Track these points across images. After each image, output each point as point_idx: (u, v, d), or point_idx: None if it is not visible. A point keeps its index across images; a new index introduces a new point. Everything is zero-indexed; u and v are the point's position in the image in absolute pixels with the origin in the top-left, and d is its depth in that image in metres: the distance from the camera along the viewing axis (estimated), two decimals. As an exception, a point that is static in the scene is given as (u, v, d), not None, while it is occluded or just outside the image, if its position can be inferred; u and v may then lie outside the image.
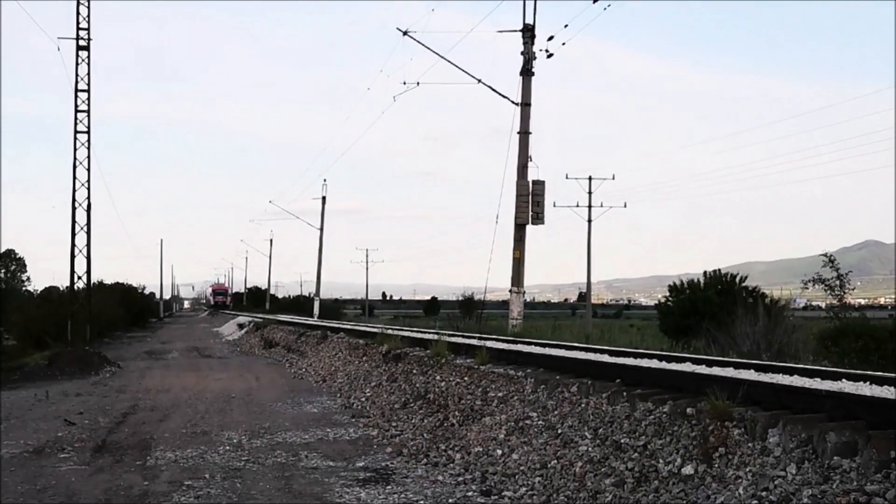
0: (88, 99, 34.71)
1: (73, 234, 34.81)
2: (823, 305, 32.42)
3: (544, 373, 12.80)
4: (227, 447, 12.67)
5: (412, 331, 26.53)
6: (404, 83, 31.77)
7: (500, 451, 10.82)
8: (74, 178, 34.77)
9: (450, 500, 9.20)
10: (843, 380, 9.21)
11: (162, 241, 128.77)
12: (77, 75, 34.57)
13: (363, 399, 17.59)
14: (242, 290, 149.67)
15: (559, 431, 10.35)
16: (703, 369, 10.50)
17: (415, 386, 16.11)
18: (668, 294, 35.16)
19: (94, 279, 38.52)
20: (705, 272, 33.29)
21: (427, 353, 17.50)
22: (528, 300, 33.26)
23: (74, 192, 34.82)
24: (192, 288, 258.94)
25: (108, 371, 26.60)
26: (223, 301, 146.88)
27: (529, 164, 28.46)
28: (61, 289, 42.79)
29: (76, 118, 34.69)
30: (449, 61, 30.26)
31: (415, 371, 17.08)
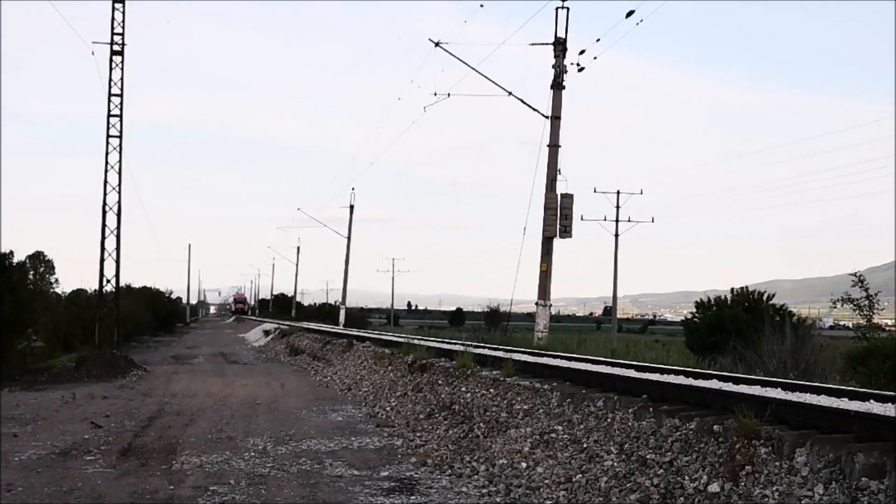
0: (121, 103, 34.88)
1: (103, 238, 34.94)
2: (851, 325, 32.20)
3: (570, 386, 12.80)
4: (252, 453, 12.71)
5: (438, 341, 26.53)
6: (435, 94, 31.74)
7: (524, 464, 10.81)
8: (105, 181, 34.93)
9: (474, 512, 9.21)
10: (872, 400, 9.16)
11: (190, 246, 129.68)
12: (110, 80, 34.79)
13: (388, 409, 17.60)
14: (269, 297, 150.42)
15: (584, 445, 10.34)
16: (729, 387, 10.47)
17: (440, 396, 16.11)
18: (694, 310, 35.03)
19: (122, 283, 38.67)
20: (732, 289, 33.17)
21: (453, 364, 17.52)
22: (553, 313, 33.08)
23: (105, 195, 34.98)
24: (219, 293, 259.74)
25: (134, 375, 26.76)
26: (242, 308, 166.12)
27: (558, 177, 28.41)
28: (89, 292, 43.02)
29: (108, 122, 34.88)
30: (480, 73, 30.28)
31: (440, 382, 17.08)
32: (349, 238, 65.14)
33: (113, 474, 11.14)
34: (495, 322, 50.85)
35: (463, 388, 15.53)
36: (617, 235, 67.07)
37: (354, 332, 43.11)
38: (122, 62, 34.96)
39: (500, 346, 21.99)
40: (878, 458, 6.87)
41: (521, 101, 29.60)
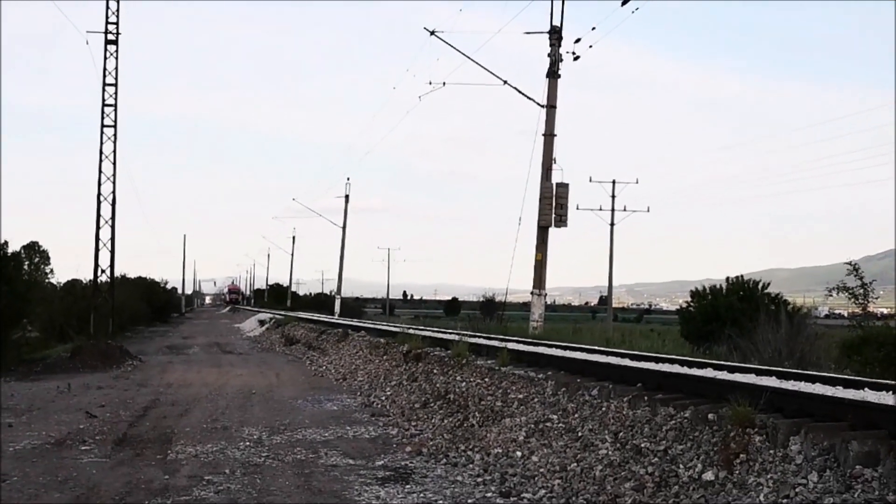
0: (116, 93, 34.82)
1: (98, 228, 34.94)
2: (846, 314, 32.24)
3: (565, 375, 12.80)
4: (248, 443, 12.71)
5: (433, 331, 26.53)
6: (430, 83, 31.74)
7: (519, 453, 10.82)
8: (100, 171, 34.90)
9: (469, 501, 9.20)
10: (866, 389, 9.18)
11: (185, 236, 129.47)
12: (105, 70, 34.74)
13: (383, 398, 17.61)
14: (264, 287, 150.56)
15: (579, 434, 10.35)
16: (724, 375, 10.49)
17: (435, 386, 16.11)
18: (689, 299, 35.05)
19: (117, 273, 38.63)
20: (727, 278, 33.17)
21: (448, 354, 17.52)
22: (548, 303, 33.17)
23: (100, 185, 34.96)
24: (214, 283, 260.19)
25: (129, 365, 26.71)
26: (236, 298, 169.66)
27: (553, 166, 28.41)
28: (84, 282, 42.96)
29: (103, 112, 34.83)
30: (475, 62, 30.28)
31: (435, 371, 17.09)
32: (344, 228, 65.24)
33: (108, 464, 11.13)
34: (490, 311, 50.91)
35: (458, 378, 15.53)
36: (612, 225, 67.13)
37: (350, 321, 43.12)
38: (117, 51, 34.91)
39: (496, 336, 22.00)
40: (873, 446, 6.88)
41: (517, 90, 29.60)
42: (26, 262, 34.52)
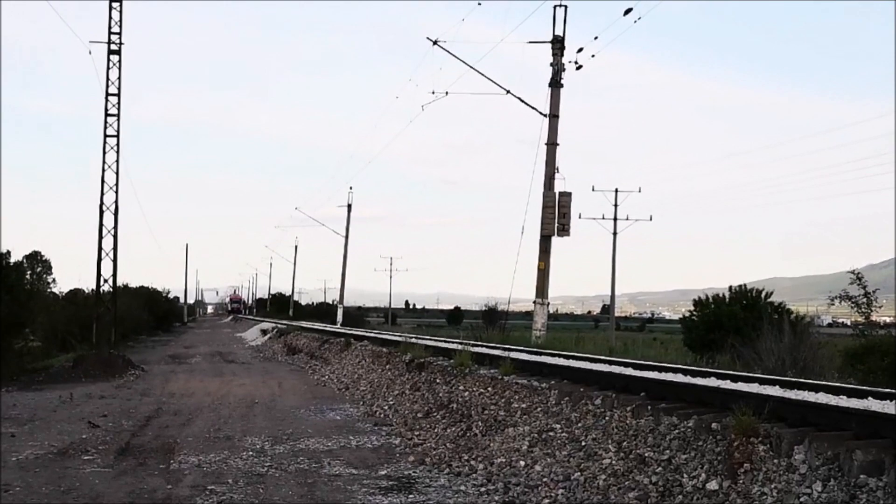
0: (118, 103, 34.81)
1: (100, 237, 34.89)
2: (849, 323, 32.16)
3: (568, 385, 12.79)
4: (250, 452, 12.70)
5: (435, 340, 26.52)
6: (433, 92, 31.73)
7: (523, 463, 10.80)
8: (103, 181, 34.87)
9: (472, 511, 9.19)
10: (870, 398, 9.17)
11: (187, 245, 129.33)
12: (108, 79, 34.73)
13: (386, 407, 17.59)
14: (266, 296, 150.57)
15: (583, 444, 10.33)
16: (728, 384, 10.48)
17: (438, 395, 16.10)
18: (692, 308, 35.00)
19: (119, 282, 38.60)
20: (730, 287, 33.12)
21: (450, 363, 17.50)
22: (551, 311, 33.09)
23: (102, 195, 34.93)
24: (216, 293, 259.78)
25: (132, 374, 26.71)
26: (238, 308, 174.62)
27: (556, 175, 28.41)
28: (87, 291, 43.01)
29: (106, 122, 34.83)
30: (478, 71, 30.29)
31: (438, 380, 17.07)
32: (347, 237, 65.19)
33: (111, 474, 11.12)
34: (493, 321, 50.75)
35: (461, 387, 15.52)
36: (615, 234, 67.16)
37: (352, 331, 43.10)
38: (120, 61, 34.89)
39: (498, 345, 22.00)
40: (877, 456, 6.86)
41: (520, 99, 29.64)
42: (28, 272, 34.55)
